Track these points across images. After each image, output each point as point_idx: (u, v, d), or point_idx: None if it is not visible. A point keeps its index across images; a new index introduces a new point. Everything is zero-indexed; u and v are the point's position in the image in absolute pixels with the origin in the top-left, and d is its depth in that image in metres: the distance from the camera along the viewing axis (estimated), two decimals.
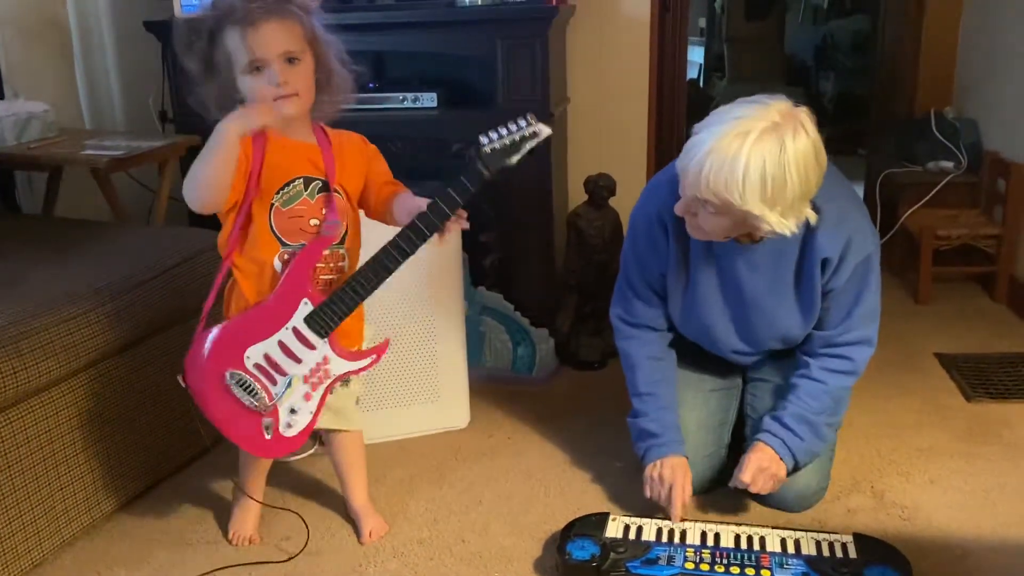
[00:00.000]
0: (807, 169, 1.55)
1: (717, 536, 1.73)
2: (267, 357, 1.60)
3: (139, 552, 1.83)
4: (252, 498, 1.85)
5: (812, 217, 1.63)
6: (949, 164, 3.26)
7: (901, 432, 2.20)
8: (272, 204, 1.58)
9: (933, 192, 3.18)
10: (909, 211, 3.18)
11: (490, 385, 2.51)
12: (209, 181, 1.51)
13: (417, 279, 2.17)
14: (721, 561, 1.65)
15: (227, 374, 1.60)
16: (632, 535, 1.74)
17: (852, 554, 1.66)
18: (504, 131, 1.51)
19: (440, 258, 2.18)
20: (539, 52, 2.51)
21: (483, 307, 2.56)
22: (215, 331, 1.61)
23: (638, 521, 1.78)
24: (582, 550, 1.68)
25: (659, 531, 1.75)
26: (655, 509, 1.85)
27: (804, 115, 1.57)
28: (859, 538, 1.71)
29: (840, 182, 1.76)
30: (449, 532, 1.87)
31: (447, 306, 2.23)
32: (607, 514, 1.81)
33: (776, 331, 1.83)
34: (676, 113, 3.18)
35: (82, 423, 1.82)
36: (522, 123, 1.51)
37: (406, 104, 2.64)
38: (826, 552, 1.68)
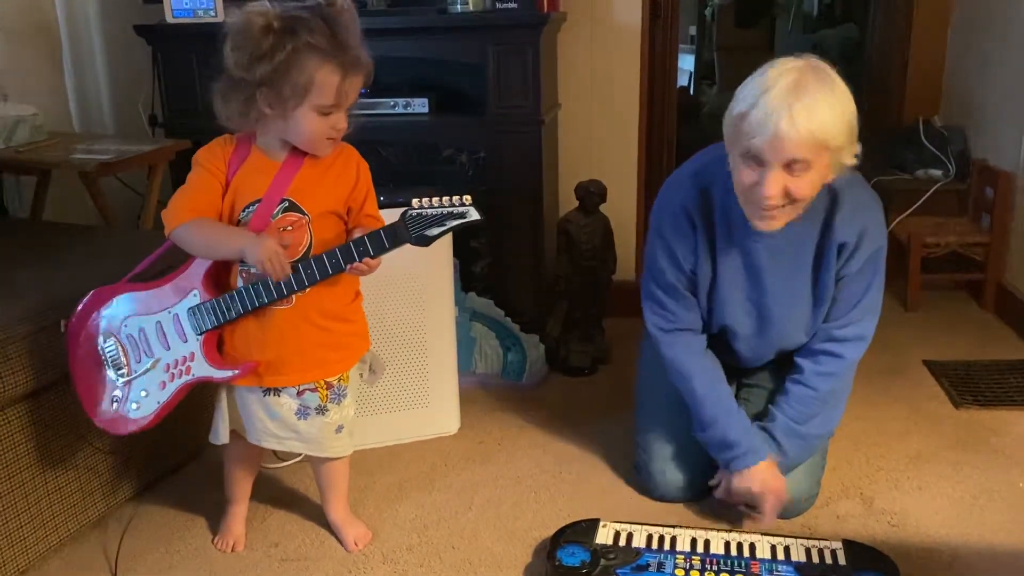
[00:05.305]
0: (850, 99, 1.59)
1: (707, 543, 1.74)
2: (142, 332, 1.64)
3: (126, 559, 1.81)
4: (238, 504, 1.86)
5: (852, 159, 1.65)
6: (937, 172, 3.28)
7: (890, 439, 2.21)
8: (239, 221, 1.59)
9: (921, 200, 3.21)
10: (898, 219, 3.20)
11: (480, 391, 2.51)
12: (206, 254, 1.61)
13: (408, 285, 2.16)
14: (711, 568, 1.65)
15: (101, 336, 1.66)
16: (622, 541, 1.74)
17: (841, 560, 1.67)
18: (437, 202, 1.52)
19: (431, 264, 2.17)
20: (530, 58, 2.51)
21: (473, 313, 2.56)
22: (121, 292, 1.67)
23: (628, 527, 1.78)
24: (572, 556, 1.68)
25: (649, 538, 1.75)
26: (646, 515, 1.85)
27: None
28: (848, 544, 1.72)
29: (860, 178, 1.77)
30: (439, 538, 1.87)
31: (437, 311, 2.22)
32: (597, 520, 1.81)
33: (791, 325, 1.83)
34: (667, 120, 3.19)
35: (69, 429, 1.80)
36: (456, 200, 1.52)
37: (397, 110, 2.64)
38: (816, 559, 1.68)
